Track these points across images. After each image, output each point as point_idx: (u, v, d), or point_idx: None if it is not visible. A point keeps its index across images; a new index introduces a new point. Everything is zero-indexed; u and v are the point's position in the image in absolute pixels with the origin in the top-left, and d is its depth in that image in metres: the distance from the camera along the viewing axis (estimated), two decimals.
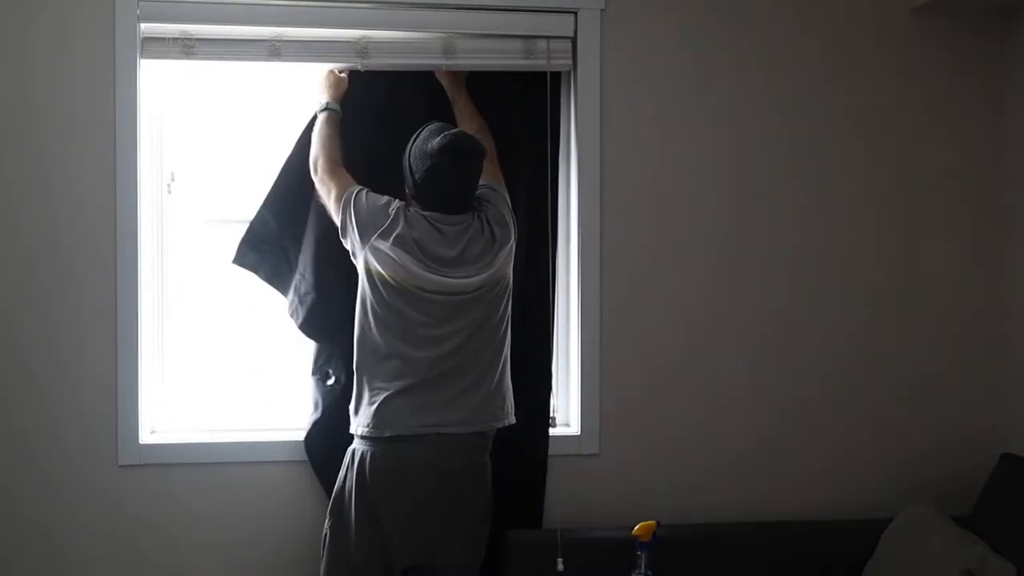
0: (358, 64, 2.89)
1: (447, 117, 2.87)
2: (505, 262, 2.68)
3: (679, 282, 3.07)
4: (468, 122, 2.87)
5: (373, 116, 2.92)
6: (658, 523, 2.74)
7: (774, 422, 3.12)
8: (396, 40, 2.91)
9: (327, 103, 2.85)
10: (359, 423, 2.62)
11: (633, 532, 2.73)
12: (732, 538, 2.95)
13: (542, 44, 2.98)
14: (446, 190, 2.62)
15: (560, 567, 2.80)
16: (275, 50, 2.86)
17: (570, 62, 3.02)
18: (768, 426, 3.11)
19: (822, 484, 3.13)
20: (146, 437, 2.89)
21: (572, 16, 2.99)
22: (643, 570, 2.71)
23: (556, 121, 3.03)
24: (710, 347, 3.09)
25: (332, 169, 2.75)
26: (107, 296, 2.83)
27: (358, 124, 2.89)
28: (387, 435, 2.57)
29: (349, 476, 2.60)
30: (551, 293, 3.03)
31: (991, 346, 3.20)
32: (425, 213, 2.61)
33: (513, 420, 2.71)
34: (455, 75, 2.94)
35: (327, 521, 2.65)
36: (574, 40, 3.01)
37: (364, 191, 2.68)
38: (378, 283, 2.60)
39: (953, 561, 2.61)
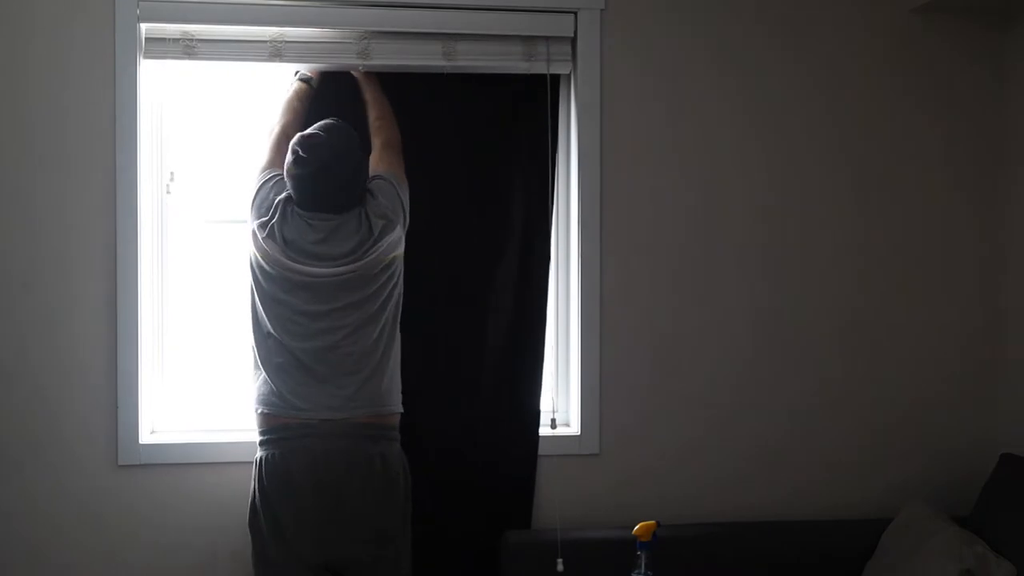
0: (359, 65, 2.90)
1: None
2: (385, 251, 2.64)
3: (680, 282, 3.08)
4: (372, 108, 2.88)
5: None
6: (658, 523, 2.73)
7: (774, 422, 3.12)
8: (396, 41, 2.91)
9: (304, 73, 2.90)
10: (257, 403, 2.60)
11: (633, 532, 2.72)
12: (732, 538, 2.95)
13: (542, 45, 2.99)
14: (305, 192, 2.60)
15: (560, 567, 2.80)
16: (276, 50, 2.86)
17: (570, 64, 3.02)
18: (768, 426, 3.11)
19: (822, 484, 3.13)
20: (146, 437, 2.89)
21: (572, 16, 3.00)
22: (643, 570, 2.70)
23: (556, 121, 3.04)
24: (710, 347, 3.09)
25: (277, 143, 2.78)
26: (107, 296, 2.83)
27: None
28: (274, 434, 2.55)
29: (253, 486, 2.58)
30: (548, 294, 3.04)
31: (990, 347, 3.20)
32: (299, 211, 2.61)
33: (400, 409, 2.66)
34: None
35: (249, 537, 2.59)
36: (574, 40, 3.01)
37: (278, 179, 2.69)
38: (255, 265, 2.63)
39: (953, 561, 2.61)
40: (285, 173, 2.64)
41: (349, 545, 2.55)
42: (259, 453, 2.59)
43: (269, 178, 2.70)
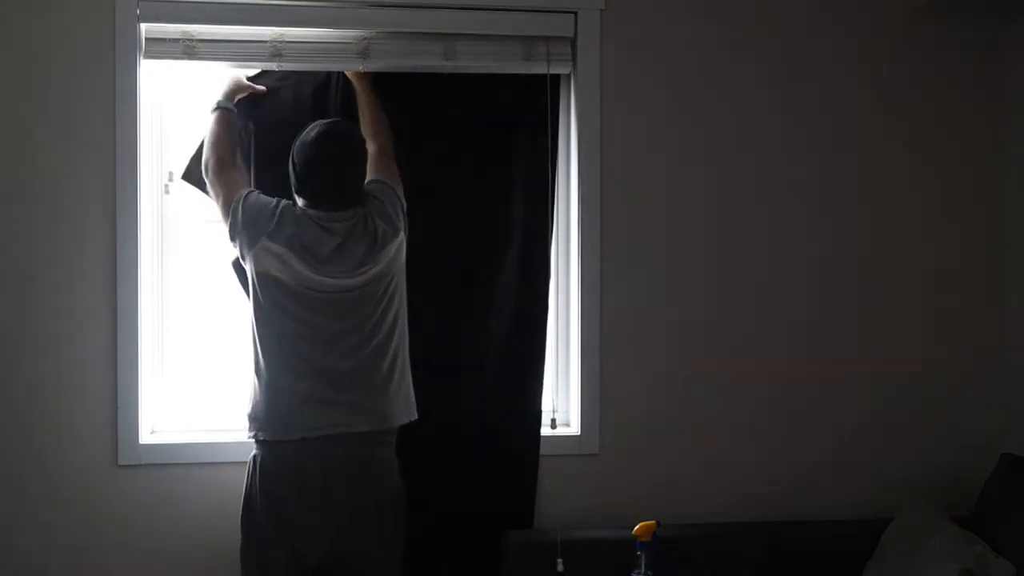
0: (359, 65, 2.90)
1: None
2: (392, 259, 2.64)
3: (679, 282, 3.08)
4: (367, 114, 2.87)
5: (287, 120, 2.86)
6: (658, 523, 2.74)
7: (774, 421, 3.12)
8: (396, 42, 2.92)
9: (219, 101, 2.83)
10: (257, 427, 2.58)
11: (633, 532, 2.73)
12: (732, 538, 2.95)
13: (542, 45, 2.99)
14: (324, 178, 2.60)
15: (560, 568, 2.80)
16: (276, 51, 2.86)
17: (570, 64, 3.02)
18: (768, 425, 3.11)
19: (822, 484, 3.13)
20: (146, 437, 2.89)
21: (572, 16, 3.00)
22: (643, 570, 2.71)
23: (556, 121, 3.04)
24: (710, 347, 3.09)
25: (221, 171, 2.72)
26: (107, 296, 2.83)
27: (272, 128, 2.87)
28: (282, 438, 2.54)
29: (252, 483, 2.57)
30: (548, 294, 3.04)
31: (990, 346, 3.20)
32: (311, 212, 2.59)
33: (415, 416, 2.66)
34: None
35: (240, 535, 2.59)
36: (574, 40, 3.01)
37: (253, 193, 2.66)
38: (268, 284, 2.58)
39: (953, 561, 2.61)
40: (304, 164, 2.59)
41: (349, 549, 2.55)
42: (256, 451, 2.58)
43: (245, 196, 2.64)
